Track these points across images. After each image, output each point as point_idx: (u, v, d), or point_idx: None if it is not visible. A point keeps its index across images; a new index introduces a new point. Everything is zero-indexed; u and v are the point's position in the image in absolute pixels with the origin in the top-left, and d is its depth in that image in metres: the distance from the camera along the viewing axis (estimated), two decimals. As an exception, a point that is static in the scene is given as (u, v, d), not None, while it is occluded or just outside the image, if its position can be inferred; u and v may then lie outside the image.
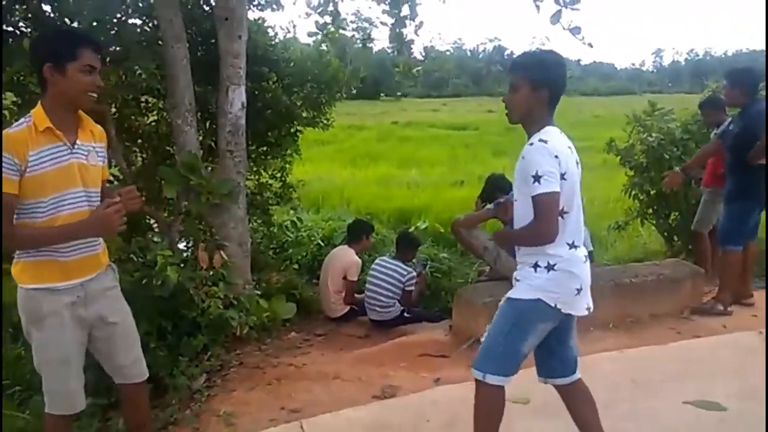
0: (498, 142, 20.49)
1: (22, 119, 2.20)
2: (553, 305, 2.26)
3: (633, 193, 6.67)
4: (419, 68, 6.31)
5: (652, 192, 6.57)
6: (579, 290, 2.31)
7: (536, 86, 2.28)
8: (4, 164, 2.08)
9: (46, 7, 4.00)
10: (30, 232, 2.21)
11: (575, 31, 3.98)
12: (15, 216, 2.19)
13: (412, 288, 5.52)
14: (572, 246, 2.30)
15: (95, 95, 2.27)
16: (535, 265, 2.29)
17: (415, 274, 5.56)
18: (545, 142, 2.21)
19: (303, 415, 3.23)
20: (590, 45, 4.18)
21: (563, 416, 2.55)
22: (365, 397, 3.45)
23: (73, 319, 2.31)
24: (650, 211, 6.80)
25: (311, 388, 3.65)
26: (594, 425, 2.48)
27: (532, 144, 2.23)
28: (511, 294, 2.36)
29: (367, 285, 5.49)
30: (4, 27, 3.79)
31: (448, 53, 70.79)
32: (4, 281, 3.61)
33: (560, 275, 2.26)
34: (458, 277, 6.63)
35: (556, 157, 2.19)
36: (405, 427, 3.06)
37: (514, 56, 2.53)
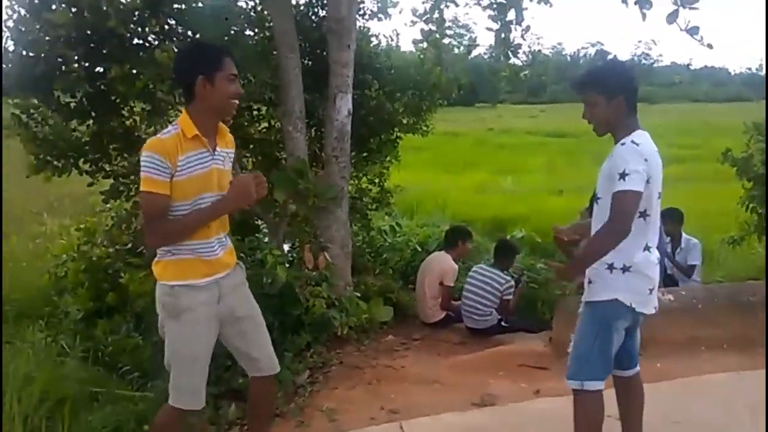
0: (599, 150, 19.59)
1: (170, 127, 2.35)
2: (628, 304, 2.34)
3: (750, 206, 6.24)
4: (526, 72, 6.24)
5: (772, 205, 6.12)
6: (651, 290, 2.39)
7: (612, 96, 2.35)
8: (158, 167, 2.22)
9: (171, 21, 4.31)
10: (182, 222, 2.31)
11: (693, 31, 3.75)
12: None
13: (510, 297, 5.44)
14: (647, 248, 2.36)
15: (237, 102, 2.40)
16: (611, 266, 2.34)
17: (513, 282, 5.48)
18: (637, 144, 2.27)
19: (402, 416, 3.29)
20: (710, 46, 3.94)
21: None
22: (464, 404, 3.46)
23: (207, 315, 2.40)
24: (770, 225, 6.33)
25: (410, 390, 3.71)
26: (637, 422, 2.58)
27: (623, 144, 2.29)
28: (588, 298, 2.43)
29: (464, 292, 5.47)
30: (137, 40, 4.12)
31: (547, 57, 69.17)
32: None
33: (635, 276, 2.34)
34: (556, 288, 6.46)
35: (646, 160, 2.25)
36: (504, 436, 3.04)
37: (580, 75, 2.55)
